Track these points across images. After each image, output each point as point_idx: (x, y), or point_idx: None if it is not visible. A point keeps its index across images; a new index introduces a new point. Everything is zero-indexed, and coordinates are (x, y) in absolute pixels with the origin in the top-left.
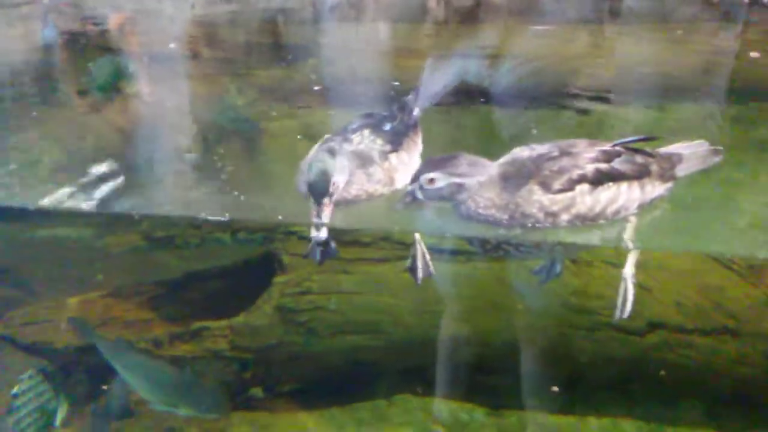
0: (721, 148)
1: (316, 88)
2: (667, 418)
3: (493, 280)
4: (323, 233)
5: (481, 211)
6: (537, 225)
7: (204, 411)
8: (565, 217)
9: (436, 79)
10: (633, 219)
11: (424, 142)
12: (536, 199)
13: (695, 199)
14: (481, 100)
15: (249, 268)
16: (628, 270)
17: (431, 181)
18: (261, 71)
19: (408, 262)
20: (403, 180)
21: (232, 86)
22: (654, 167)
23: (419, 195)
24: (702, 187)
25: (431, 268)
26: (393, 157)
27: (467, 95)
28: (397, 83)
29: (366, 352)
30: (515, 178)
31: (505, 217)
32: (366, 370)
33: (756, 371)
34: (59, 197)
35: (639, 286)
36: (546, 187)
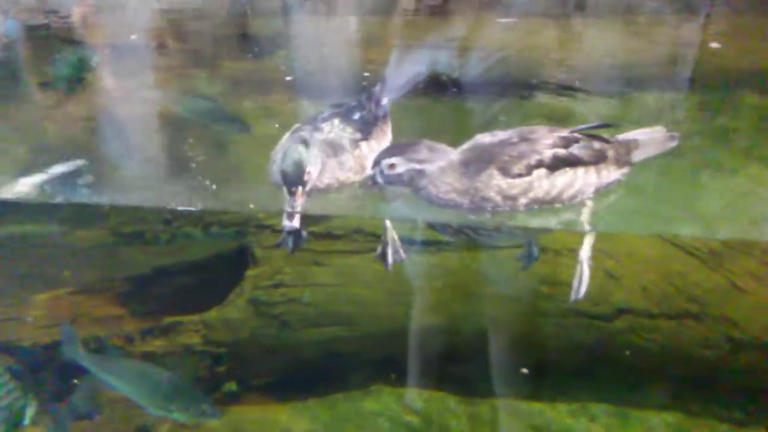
0: (677, 133)
1: (288, 78)
2: (633, 401)
3: (463, 269)
4: (296, 222)
5: (441, 195)
6: (496, 209)
7: (199, 415)
8: (522, 200)
9: (404, 69)
10: (589, 203)
11: (395, 131)
12: (495, 183)
13: (658, 184)
14: (453, 90)
15: (221, 261)
16: (584, 253)
17: (392, 166)
18: (229, 63)
19: (378, 250)
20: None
21: (201, 78)
22: (610, 153)
23: (380, 179)
24: (666, 173)
25: (402, 253)
26: (363, 145)
27: (437, 86)
28: (367, 74)
29: (340, 343)
30: (475, 163)
31: (466, 201)
32: (340, 362)
33: (718, 353)
34: (23, 190)
35: (606, 273)
36: (505, 171)
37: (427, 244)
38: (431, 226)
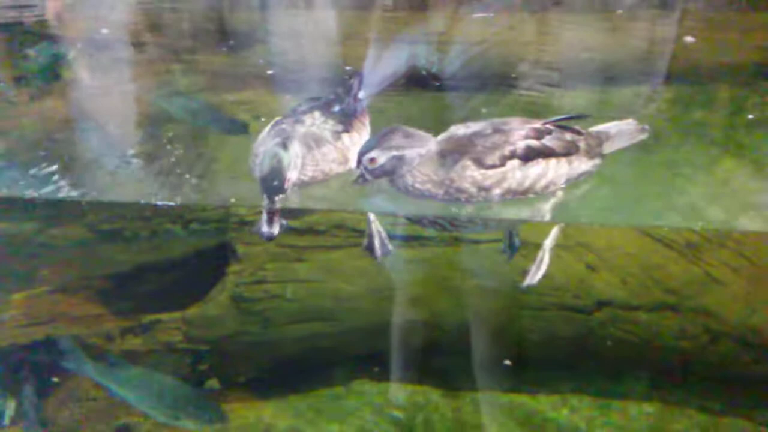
0: (647, 126)
1: (269, 72)
2: (613, 392)
3: (445, 263)
4: (275, 229)
5: (418, 185)
6: (471, 200)
7: (206, 422)
8: (496, 191)
9: (384, 64)
10: (560, 194)
11: (377, 126)
12: (469, 174)
13: (634, 177)
14: (433, 84)
15: (202, 258)
16: (549, 242)
17: (372, 160)
18: (207, 57)
19: (364, 242)
20: (355, 159)
21: (178, 72)
22: (582, 144)
23: (368, 176)
24: (642, 167)
25: (389, 246)
26: (345, 137)
27: (417, 80)
28: (350, 68)
29: (322, 339)
30: (450, 154)
31: (441, 192)
32: (323, 357)
33: (696, 344)
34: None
35: (586, 266)
36: (479, 162)
37: (408, 238)
38: (408, 218)
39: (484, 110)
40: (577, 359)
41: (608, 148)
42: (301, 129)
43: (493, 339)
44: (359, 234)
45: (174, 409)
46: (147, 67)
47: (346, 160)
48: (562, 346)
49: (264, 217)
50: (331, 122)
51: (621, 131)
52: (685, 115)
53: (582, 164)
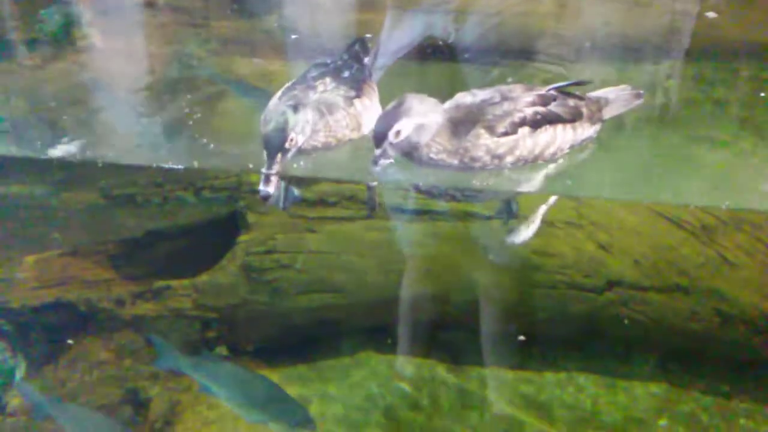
0: (642, 91)
1: (293, 36)
2: (621, 372)
3: (456, 238)
4: (272, 188)
5: (433, 155)
6: (484, 168)
7: (294, 425)
8: (509, 159)
9: (399, 33)
10: (562, 161)
11: (388, 96)
12: (483, 142)
13: (652, 154)
14: (448, 54)
15: (213, 226)
16: (544, 207)
17: (398, 133)
18: (221, 22)
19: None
20: (368, 125)
21: (192, 37)
22: (584, 110)
23: (391, 152)
24: (661, 144)
25: (375, 209)
26: (357, 102)
27: (433, 50)
28: (369, 35)
29: (331, 310)
30: (463, 123)
31: (455, 161)
32: (331, 329)
33: (706, 326)
34: (12, 149)
35: (598, 246)
36: (491, 130)
37: (419, 212)
38: (417, 188)
39: (509, 79)
40: (586, 338)
41: (607, 113)
42: (313, 95)
43: (501, 315)
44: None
45: (264, 411)
46: (160, 30)
47: (359, 126)
48: (570, 324)
49: (262, 175)
50: (343, 88)
51: (617, 96)
52: (706, 91)
53: (585, 130)
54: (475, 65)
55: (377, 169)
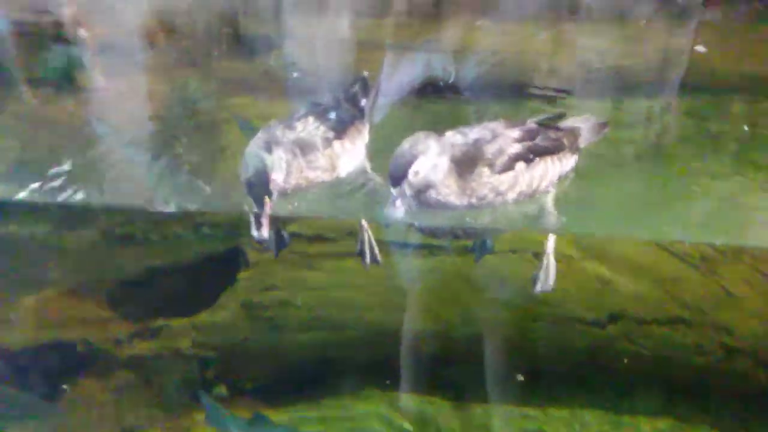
0: (605, 121)
1: (295, 74)
2: (625, 408)
3: (456, 273)
4: (264, 232)
5: (441, 198)
6: (489, 206)
7: None
8: (511, 195)
9: (399, 73)
10: (552, 191)
11: (392, 136)
12: (486, 180)
13: (647, 190)
14: (448, 93)
15: (212, 263)
16: (550, 245)
17: (416, 173)
18: (221, 62)
19: (357, 246)
20: (346, 167)
21: (192, 77)
22: (565, 141)
23: (409, 192)
24: (656, 179)
25: (378, 256)
26: (337, 144)
27: (432, 90)
28: (366, 73)
29: (331, 347)
30: (464, 162)
31: (464, 202)
32: (331, 366)
33: (711, 360)
34: (12, 191)
35: (599, 279)
36: (492, 168)
37: (419, 247)
38: (422, 230)
39: (500, 119)
40: (589, 373)
41: (581, 143)
42: (291, 135)
43: (504, 350)
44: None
45: None
46: (161, 70)
47: (333, 168)
48: (573, 359)
49: (252, 220)
50: (323, 128)
51: (588, 127)
52: (699, 126)
53: (569, 160)
54: (475, 103)
55: (396, 211)
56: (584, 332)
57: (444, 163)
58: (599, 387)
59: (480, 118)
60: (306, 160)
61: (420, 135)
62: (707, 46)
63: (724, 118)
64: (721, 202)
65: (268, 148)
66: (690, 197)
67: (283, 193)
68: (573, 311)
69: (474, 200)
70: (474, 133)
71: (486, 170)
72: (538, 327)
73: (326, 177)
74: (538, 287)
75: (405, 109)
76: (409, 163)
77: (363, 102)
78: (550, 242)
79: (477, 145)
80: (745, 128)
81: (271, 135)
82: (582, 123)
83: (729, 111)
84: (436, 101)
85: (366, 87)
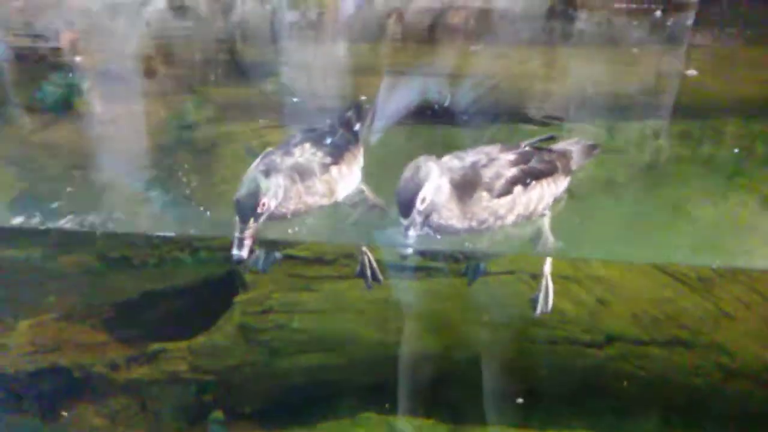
0: (596, 143)
1: (295, 100)
2: (625, 430)
3: (454, 295)
4: (245, 252)
5: (442, 222)
6: (489, 229)
7: None
8: (510, 218)
9: (395, 98)
10: (548, 213)
11: (388, 160)
12: (486, 204)
13: (643, 212)
14: (442, 118)
15: (209, 287)
16: (547, 268)
17: (423, 200)
18: (218, 89)
19: (357, 268)
20: (343, 192)
21: (189, 103)
22: (558, 163)
23: (419, 218)
24: (651, 201)
25: (380, 275)
26: (334, 169)
27: (428, 113)
28: (364, 98)
29: (329, 370)
30: (464, 187)
31: (465, 226)
32: (329, 389)
33: (709, 381)
34: (10, 217)
35: (597, 300)
36: (491, 191)
37: (416, 269)
38: (422, 253)
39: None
40: (587, 395)
41: (574, 165)
42: (289, 160)
43: (502, 373)
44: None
45: None
46: (159, 97)
47: (332, 193)
48: (571, 381)
49: (235, 239)
50: (320, 154)
51: (578, 149)
52: (692, 148)
53: (563, 183)
54: (471, 127)
55: (410, 240)
56: (582, 354)
57: (446, 186)
58: (598, 408)
59: (475, 142)
60: (305, 185)
61: (421, 160)
62: (698, 69)
63: (717, 140)
64: (716, 224)
65: (267, 174)
66: (685, 219)
67: (283, 219)
68: (570, 333)
69: (474, 224)
70: (470, 157)
71: (485, 194)
72: (535, 349)
73: (325, 202)
74: (538, 310)
75: (401, 132)
76: (417, 191)
77: (357, 126)
78: (547, 265)
79: (475, 169)
80: (736, 150)
81: (270, 161)
82: (573, 146)
83: (721, 133)
84: (432, 125)
85: (360, 112)
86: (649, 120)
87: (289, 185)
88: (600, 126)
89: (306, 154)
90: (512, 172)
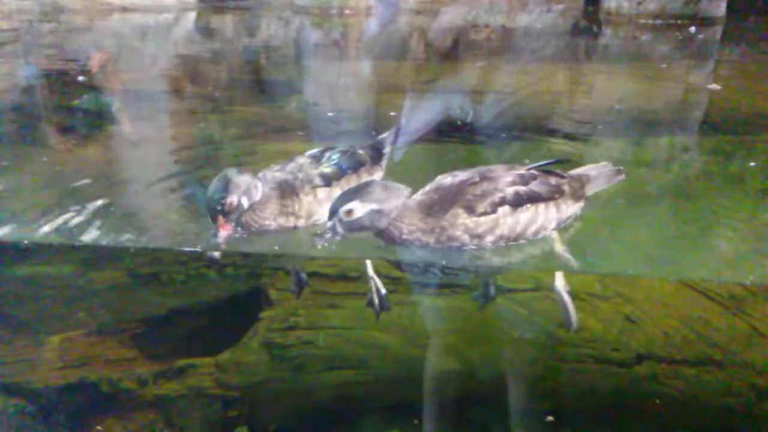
0: (622, 168)
1: (329, 114)
2: None
3: (479, 313)
4: (216, 253)
5: (405, 236)
6: (464, 247)
7: None
8: (489, 238)
9: (418, 115)
10: (555, 235)
11: (412, 175)
12: (461, 222)
13: (672, 227)
14: (466, 133)
15: (235, 303)
16: (559, 284)
17: (349, 212)
18: (244, 107)
19: (368, 296)
20: (326, 214)
21: (216, 122)
22: (566, 188)
23: (339, 229)
24: (680, 217)
25: (387, 303)
26: (321, 191)
27: (452, 130)
28: (393, 113)
29: (354, 387)
30: (439, 203)
31: (431, 240)
32: (354, 406)
33: (742, 401)
34: (43, 233)
35: (626, 318)
36: (470, 210)
37: (441, 287)
38: (397, 265)
39: (527, 160)
40: (617, 415)
41: (589, 190)
42: (278, 176)
43: (529, 391)
44: (391, 280)
45: None
46: (186, 116)
47: (309, 215)
48: (600, 400)
49: (212, 232)
50: (314, 175)
51: (600, 174)
52: (722, 164)
53: (569, 208)
54: (492, 143)
55: (321, 241)
56: (611, 372)
57: (391, 208)
58: (628, 428)
59: (496, 158)
60: (280, 203)
61: (373, 182)
62: (725, 85)
63: (746, 155)
64: (747, 240)
65: (240, 173)
66: (715, 235)
67: (249, 231)
68: (599, 351)
69: (444, 239)
70: (463, 175)
71: (462, 212)
72: (563, 367)
73: (300, 223)
74: (572, 326)
75: (422, 148)
76: (343, 203)
77: (386, 149)
78: (559, 280)
79: (460, 187)
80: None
81: (263, 172)
82: (594, 170)
83: (752, 149)
84: (455, 140)
85: (396, 135)
86: (678, 135)
87: (265, 199)
88: (626, 142)
89: (298, 173)
90: (503, 192)
